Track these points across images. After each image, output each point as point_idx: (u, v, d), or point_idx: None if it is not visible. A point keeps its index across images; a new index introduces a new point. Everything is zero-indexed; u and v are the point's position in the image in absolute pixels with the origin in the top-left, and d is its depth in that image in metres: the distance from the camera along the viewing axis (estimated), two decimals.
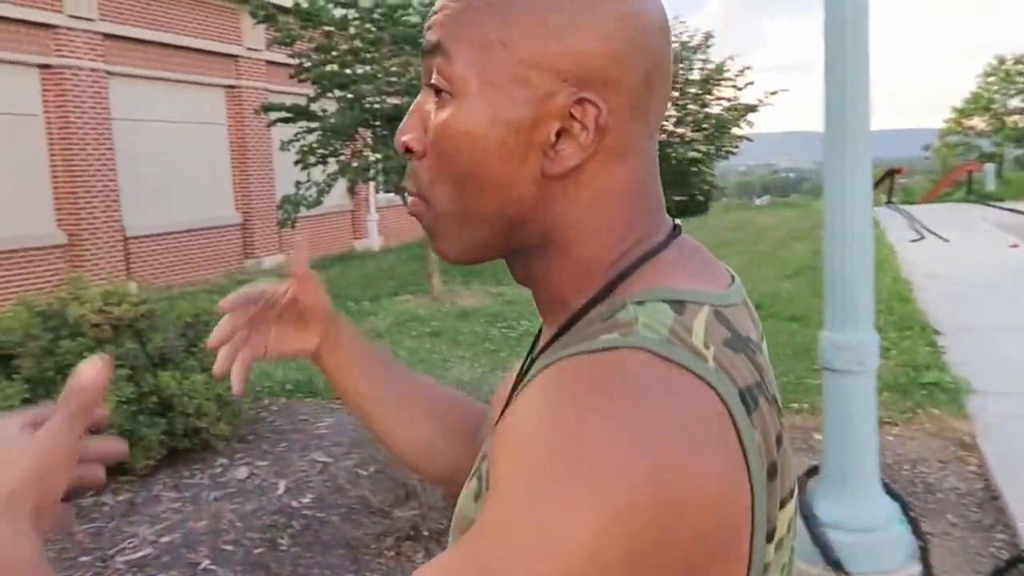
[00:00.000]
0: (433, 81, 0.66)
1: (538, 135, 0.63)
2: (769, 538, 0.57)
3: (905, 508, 3.39)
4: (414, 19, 8.13)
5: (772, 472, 0.57)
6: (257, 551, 3.74)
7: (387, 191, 9.04)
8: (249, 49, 13.42)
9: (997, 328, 7.09)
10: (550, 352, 0.64)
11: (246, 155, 13.51)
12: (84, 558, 3.69)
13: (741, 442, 0.54)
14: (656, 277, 0.64)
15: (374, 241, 16.62)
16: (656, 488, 0.49)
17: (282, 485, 4.41)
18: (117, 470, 4.48)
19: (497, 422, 0.64)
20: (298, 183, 9.32)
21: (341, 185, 9.55)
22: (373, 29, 7.97)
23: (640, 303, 0.61)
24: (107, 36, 10.96)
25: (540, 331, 0.78)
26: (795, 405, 5.42)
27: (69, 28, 10.39)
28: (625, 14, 0.63)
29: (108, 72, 11.00)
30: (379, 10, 7.95)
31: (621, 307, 0.61)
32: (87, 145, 10.66)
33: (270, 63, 13.71)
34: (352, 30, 7.99)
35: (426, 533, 3.70)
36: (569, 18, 0.62)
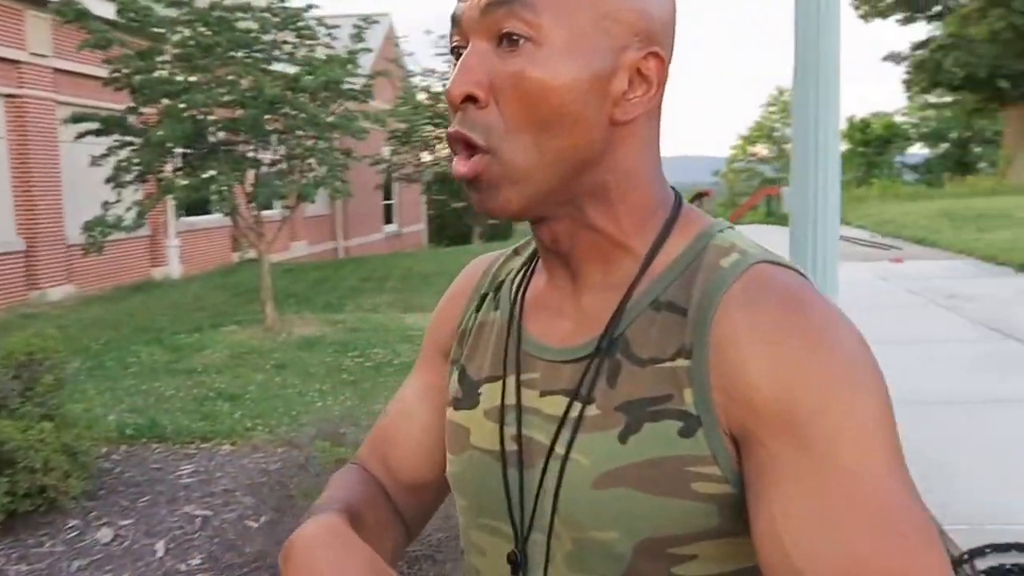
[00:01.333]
0: (509, 29, 0.66)
1: (614, 84, 0.69)
2: None
3: None
4: (250, 24, 7.47)
5: None
6: None
7: (225, 213, 8.20)
8: (33, 55, 12.00)
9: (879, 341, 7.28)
10: (659, 287, 0.71)
11: (30, 173, 12.02)
12: None
13: None
14: (698, 215, 0.76)
15: (174, 269, 15.31)
16: (878, 368, 0.65)
17: (160, 547, 3.77)
18: None
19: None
20: (106, 203, 8.34)
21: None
22: (207, 33, 7.22)
23: (721, 231, 0.73)
24: None
25: (511, 301, 0.82)
26: None
27: None
28: None
29: None
30: (215, 13, 7.20)
31: (709, 237, 0.72)
32: None
33: (58, 71, 12.34)
34: (187, 32, 7.18)
35: None
36: None
